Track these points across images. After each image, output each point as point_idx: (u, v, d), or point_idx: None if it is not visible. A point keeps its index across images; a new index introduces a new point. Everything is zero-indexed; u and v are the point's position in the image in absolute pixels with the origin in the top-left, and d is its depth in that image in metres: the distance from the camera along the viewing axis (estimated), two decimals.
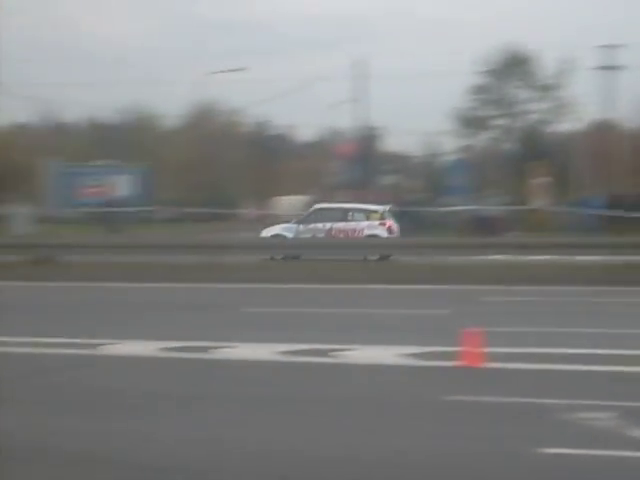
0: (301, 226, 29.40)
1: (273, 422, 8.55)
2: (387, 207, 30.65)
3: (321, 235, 28.89)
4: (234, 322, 15.19)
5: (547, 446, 7.61)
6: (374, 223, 29.26)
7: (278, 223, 31.49)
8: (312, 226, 29.20)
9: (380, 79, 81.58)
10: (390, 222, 29.47)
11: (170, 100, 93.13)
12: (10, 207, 38.66)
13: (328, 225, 29.12)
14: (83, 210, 44.42)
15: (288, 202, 52.28)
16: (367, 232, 28.95)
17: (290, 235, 29.04)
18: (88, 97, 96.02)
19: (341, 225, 29.09)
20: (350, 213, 29.77)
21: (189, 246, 26.64)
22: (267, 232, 29.88)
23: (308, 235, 28.83)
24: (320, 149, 64.63)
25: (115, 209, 41.12)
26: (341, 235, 28.89)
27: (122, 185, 51.94)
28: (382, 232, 29.02)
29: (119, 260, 24.20)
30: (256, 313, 16.26)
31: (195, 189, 55.75)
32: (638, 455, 7.50)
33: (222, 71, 60.96)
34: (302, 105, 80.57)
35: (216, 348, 12.21)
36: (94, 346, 12.47)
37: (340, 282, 20.81)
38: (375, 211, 29.96)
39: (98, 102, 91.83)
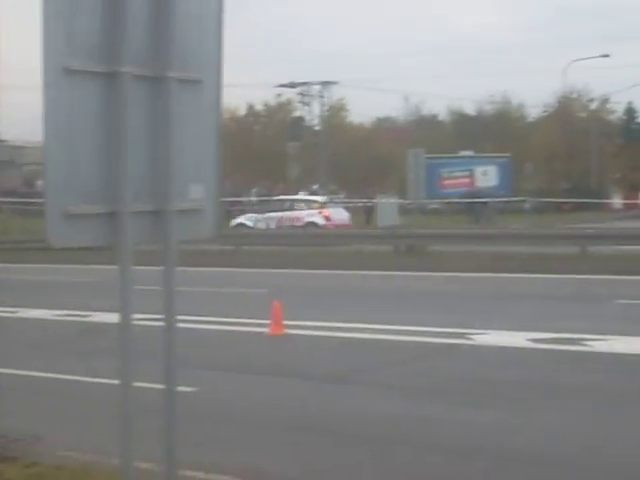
0: (259, 215, 33.24)
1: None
2: (326, 197, 35.14)
3: (273, 223, 32.29)
4: (606, 314, 14.51)
5: None
6: (313, 212, 32.43)
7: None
8: (267, 215, 32.85)
9: None
10: (327, 211, 32.60)
11: (534, 90, 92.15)
12: (377, 198, 39.65)
13: (280, 214, 32.64)
14: (446, 201, 44.79)
15: None
16: (306, 219, 32.15)
17: (251, 224, 32.54)
18: (450, 89, 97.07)
19: (288, 214, 32.52)
20: (297, 203, 33.55)
21: (554, 236, 26.02)
22: (234, 222, 33.28)
23: (264, 224, 32.32)
24: None
25: (479, 200, 41.09)
26: (287, 223, 32.20)
27: (485, 176, 51.85)
28: (319, 220, 32.14)
29: (483, 250, 24.04)
30: (632, 305, 15.42)
31: (559, 178, 54.65)
32: None
33: (586, 58, 59.38)
34: None
35: (588, 340, 11.69)
36: (462, 335, 12.34)
37: None
38: (315, 201, 33.62)
39: (459, 94, 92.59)
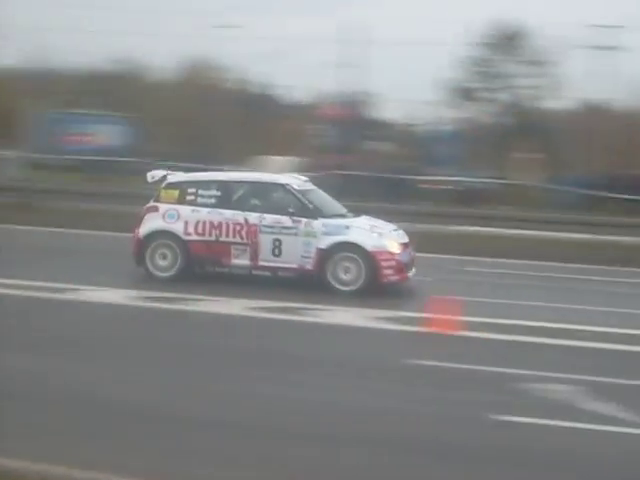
0: None
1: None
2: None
3: None
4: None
5: (500, 413, 7.65)
6: None
7: None
8: None
9: (380, 46, 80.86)
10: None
11: (164, 53, 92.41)
12: None
13: None
14: (69, 157, 44.02)
15: (275, 162, 51.97)
16: None
17: None
18: (82, 45, 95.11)
19: None
20: None
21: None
22: None
23: None
24: (306, 111, 64.16)
25: (101, 158, 40.81)
26: None
27: (109, 135, 51.52)
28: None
29: (97, 208, 24.10)
30: None
31: (186, 143, 55.27)
32: (588, 427, 7.50)
33: (218, 26, 60.55)
34: (294, 67, 79.81)
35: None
36: (61, 290, 12.53)
37: None
38: None
39: (92, 51, 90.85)
